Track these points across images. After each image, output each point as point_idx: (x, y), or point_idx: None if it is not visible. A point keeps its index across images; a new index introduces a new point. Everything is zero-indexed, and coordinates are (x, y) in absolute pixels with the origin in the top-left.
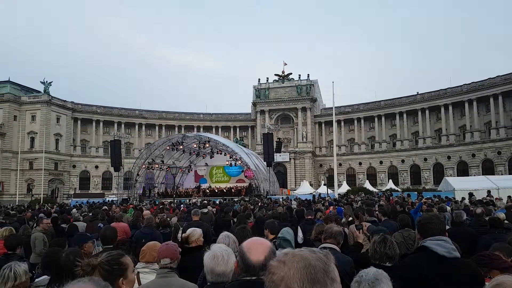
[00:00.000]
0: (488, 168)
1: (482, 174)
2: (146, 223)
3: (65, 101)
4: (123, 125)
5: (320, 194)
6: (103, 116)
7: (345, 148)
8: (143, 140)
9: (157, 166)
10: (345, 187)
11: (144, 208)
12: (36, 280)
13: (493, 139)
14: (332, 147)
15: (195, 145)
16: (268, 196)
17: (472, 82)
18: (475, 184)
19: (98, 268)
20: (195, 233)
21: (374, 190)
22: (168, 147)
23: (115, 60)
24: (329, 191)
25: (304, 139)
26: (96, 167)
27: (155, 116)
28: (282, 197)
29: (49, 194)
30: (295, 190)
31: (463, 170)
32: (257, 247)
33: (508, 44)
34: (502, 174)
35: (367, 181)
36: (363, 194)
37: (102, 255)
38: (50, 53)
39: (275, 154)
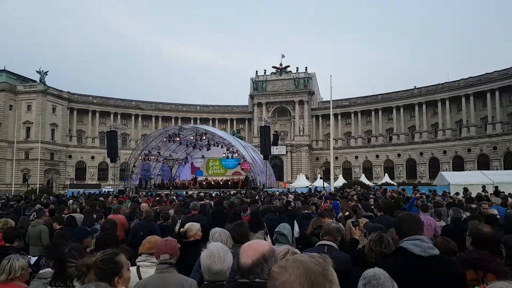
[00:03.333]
0: (484, 163)
1: (478, 169)
2: (145, 215)
3: (61, 91)
4: (119, 116)
5: (316, 187)
6: (99, 107)
7: (342, 141)
8: (139, 131)
9: (153, 157)
10: (341, 181)
11: (140, 200)
12: (41, 272)
13: (489, 134)
14: (329, 140)
15: (192, 137)
16: (264, 189)
17: (469, 77)
18: (470, 179)
19: (93, 268)
20: (193, 227)
21: (370, 183)
22: (164, 139)
23: (112, 51)
24: (325, 184)
25: (301, 132)
26: (92, 157)
27: (151, 107)
28: (278, 190)
29: (44, 184)
30: (291, 183)
31: (458, 164)
32: (247, 251)
33: (506, 40)
34: (497, 169)
35: (363, 174)
36: (359, 188)
37: (97, 254)
38: (46, 42)
39: (272, 147)
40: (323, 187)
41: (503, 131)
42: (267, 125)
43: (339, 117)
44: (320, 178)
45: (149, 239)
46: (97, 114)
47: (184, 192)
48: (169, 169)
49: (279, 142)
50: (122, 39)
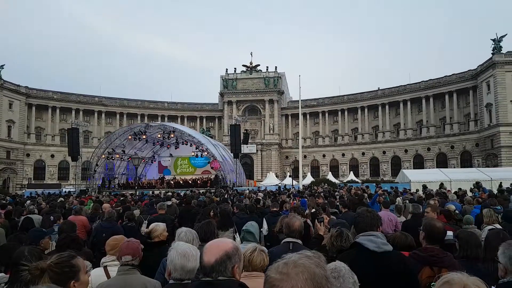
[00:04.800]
0: (442, 161)
1: (436, 167)
2: (107, 216)
3: (18, 85)
4: (81, 112)
5: (285, 185)
6: (60, 103)
7: (310, 140)
8: (102, 128)
9: (117, 156)
10: (309, 179)
11: (103, 200)
12: None
13: (447, 134)
14: (298, 139)
15: (159, 135)
16: (234, 188)
17: (429, 79)
18: (429, 177)
19: (47, 271)
20: (158, 227)
21: (336, 181)
22: (130, 137)
23: (74, 45)
24: (294, 182)
25: (271, 131)
26: (52, 156)
27: (116, 104)
28: (249, 189)
29: (0, 185)
30: (261, 181)
31: (419, 163)
32: (212, 249)
33: (463, 44)
34: (454, 167)
35: (330, 172)
36: (326, 185)
37: (52, 257)
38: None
39: (242, 145)
40: (292, 185)
41: (460, 131)
42: (237, 123)
43: (308, 116)
44: (289, 176)
45: (113, 238)
46: (58, 111)
47: (151, 192)
48: (134, 168)
49: (250, 140)
50: (86, 33)
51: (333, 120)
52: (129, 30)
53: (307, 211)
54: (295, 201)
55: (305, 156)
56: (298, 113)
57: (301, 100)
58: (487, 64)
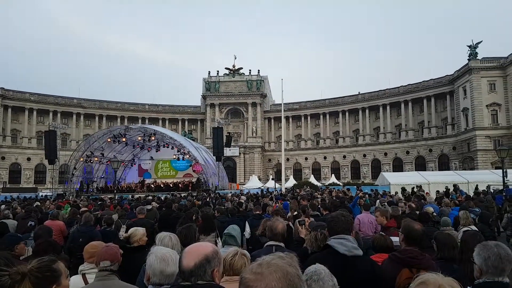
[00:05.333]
0: (421, 164)
1: (415, 170)
2: (84, 221)
3: None
4: (59, 115)
5: (268, 188)
6: (37, 104)
7: (293, 143)
8: (81, 131)
9: (96, 159)
10: (291, 181)
11: (81, 205)
12: None
13: (425, 138)
14: (281, 142)
15: (139, 138)
16: (216, 191)
17: (408, 84)
18: (408, 179)
19: (28, 276)
20: (137, 232)
21: (318, 184)
22: (109, 139)
23: (53, 46)
24: (277, 185)
25: (254, 134)
26: (29, 159)
27: (95, 106)
28: (231, 192)
29: None
30: (244, 184)
31: (398, 165)
32: (191, 252)
33: (440, 50)
34: (432, 170)
35: (312, 175)
36: (308, 188)
37: (32, 261)
38: None
39: (225, 148)
40: (275, 188)
41: (437, 134)
42: (220, 126)
43: (290, 119)
44: (272, 179)
45: (91, 245)
46: (35, 112)
47: (130, 196)
48: (113, 172)
49: (232, 143)
50: (66, 34)
51: (315, 124)
52: (110, 31)
53: (289, 214)
54: (277, 204)
55: (287, 159)
56: (281, 116)
57: (284, 104)
58: (464, 69)
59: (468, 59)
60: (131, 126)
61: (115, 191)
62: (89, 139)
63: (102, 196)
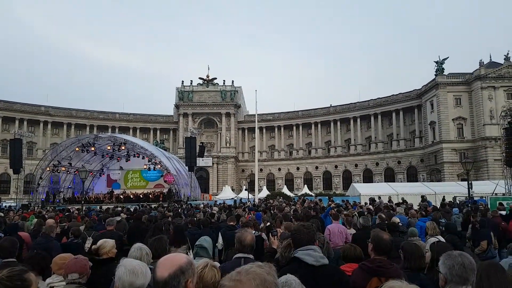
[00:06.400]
0: (390, 176)
1: (385, 181)
2: (43, 232)
3: None
4: (25, 122)
5: (241, 199)
6: (2, 112)
7: (266, 154)
8: (48, 139)
9: (63, 168)
10: (265, 192)
11: (46, 216)
12: None
13: (394, 150)
14: (254, 153)
15: (109, 147)
16: (188, 202)
17: (377, 98)
18: (378, 190)
19: None
20: (107, 244)
21: (291, 194)
22: (77, 148)
23: (20, 51)
24: (250, 196)
25: (228, 144)
26: None
27: (63, 114)
28: (203, 203)
29: None
30: (217, 195)
31: (368, 177)
32: (165, 263)
33: (409, 65)
34: (401, 182)
35: (285, 186)
36: (281, 199)
37: (3, 271)
38: None
39: (197, 158)
40: (248, 199)
41: (406, 147)
42: (193, 136)
43: (264, 130)
44: (245, 189)
45: (60, 257)
46: (0, 120)
47: (98, 207)
48: (81, 182)
49: (205, 153)
50: (35, 39)
51: (289, 135)
52: (82, 38)
53: (261, 225)
54: (250, 215)
55: (261, 170)
56: (255, 127)
57: (258, 114)
58: (431, 84)
59: (435, 75)
60: (101, 135)
61: (82, 202)
62: (57, 148)
63: (69, 207)
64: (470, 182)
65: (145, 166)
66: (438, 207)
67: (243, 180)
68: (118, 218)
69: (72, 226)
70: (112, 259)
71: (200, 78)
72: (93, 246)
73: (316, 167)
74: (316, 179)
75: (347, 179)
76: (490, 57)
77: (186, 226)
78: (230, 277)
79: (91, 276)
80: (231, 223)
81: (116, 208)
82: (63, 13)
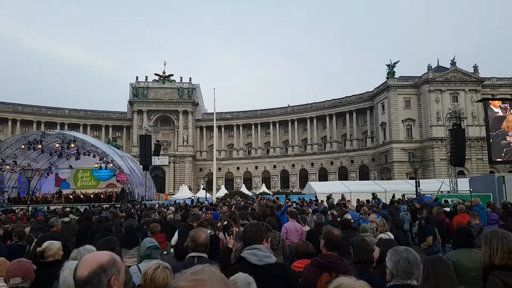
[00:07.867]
0: (343, 174)
1: (339, 179)
2: None
3: None
4: None
5: (198, 198)
6: None
7: (225, 153)
8: None
9: (8, 167)
10: (223, 191)
11: None
12: None
13: (347, 149)
14: (212, 151)
15: (57, 145)
16: (142, 202)
17: (332, 99)
18: (332, 188)
19: None
20: (53, 246)
21: (249, 193)
22: (23, 146)
23: None
24: (208, 195)
25: (185, 143)
26: None
27: (8, 109)
28: (158, 203)
29: None
30: (173, 194)
31: (323, 175)
32: (85, 262)
33: (363, 67)
34: (354, 180)
35: (244, 185)
36: (239, 198)
37: None
38: None
39: (153, 157)
40: (206, 198)
41: (358, 147)
42: (148, 134)
43: (223, 129)
44: (203, 189)
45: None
46: None
47: (46, 207)
48: (27, 181)
49: (162, 152)
50: None
51: (247, 134)
52: (32, 32)
53: (218, 224)
54: (207, 214)
55: (219, 169)
56: (213, 126)
57: (216, 113)
58: (382, 87)
59: (386, 77)
60: (48, 132)
61: (28, 202)
62: (1, 145)
63: (14, 208)
64: (417, 180)
65: (96, 165)
66: (388, 204)
67: (201, 179)
68: (67, 219)
69: (16, 227)
70: (59, 261)
71: (156, 74)
72: (38, 249)
73: (274, 166)
74: (274, 178)
75: (304, 178)
76: (438, 61)
77: (141, 227)
78: (185, 278)
79: (37, 279)
80: (191, 223)
81: (65, 208)
82: (9, 4)
